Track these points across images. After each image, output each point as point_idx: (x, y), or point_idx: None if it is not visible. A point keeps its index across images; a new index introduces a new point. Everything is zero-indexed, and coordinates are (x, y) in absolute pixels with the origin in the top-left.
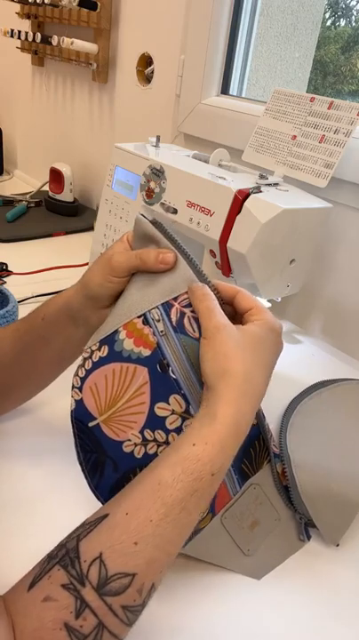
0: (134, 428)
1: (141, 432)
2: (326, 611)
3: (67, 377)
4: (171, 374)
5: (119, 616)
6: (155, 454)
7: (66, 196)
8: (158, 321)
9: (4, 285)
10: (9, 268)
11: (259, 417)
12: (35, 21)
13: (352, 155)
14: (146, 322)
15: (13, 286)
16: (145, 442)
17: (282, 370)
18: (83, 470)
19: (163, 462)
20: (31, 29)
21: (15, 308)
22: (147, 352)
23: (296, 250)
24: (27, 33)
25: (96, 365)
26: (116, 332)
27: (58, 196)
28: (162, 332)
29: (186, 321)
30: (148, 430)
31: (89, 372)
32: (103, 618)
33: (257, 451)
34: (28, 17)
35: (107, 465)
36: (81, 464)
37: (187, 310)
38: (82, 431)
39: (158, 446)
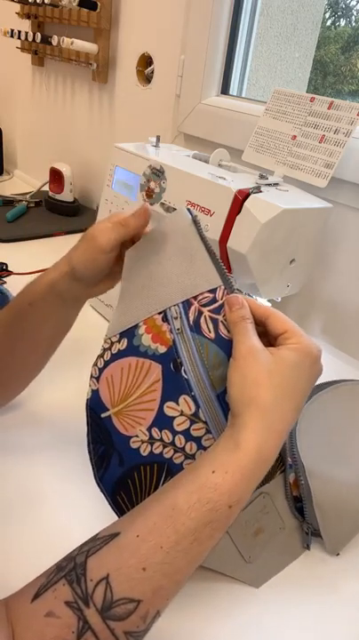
0: (143, 425)
1: (149, 429)
2: (326, 616)
3: (61, 373)
4: (184, 374)
5: None
6: (161, 454)
7: (66, 196)
8: (176, 318)
9: (4, 285)
10: (9, 268)
11: None
12: (35, 21)
13: (352, 155)
14: (165, 319)
15: (13, 286)
16: (152, 440)
17: None
18: (90, 460)
19: (181, 485)
20: (31, 29)
21: None
22: (162, 349)
23: (296, 250)
24: (27, 33)
25: (114, 357)
26: (137, 326)
27: (58, 196)
28: (178, 329)
29: (202, 321)
30: (156, 429)
31: (107, 364)
32: None
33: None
34: (28, 17)
35: (113, 458)
36: (89, 453)
37: (204, 310)
38: (94, 421)
39: (164, 447)
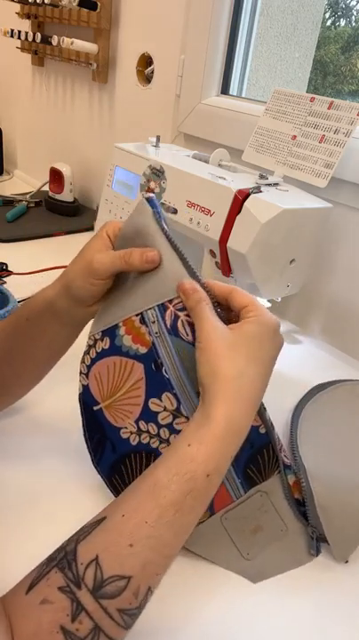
0: (131, 418)
1: (136, 422)
2: (330, 620)
3: (58, 376)
4: (165, 374)
5: (115, 619)
6: (148, 444)
7: (66, 196)
8: (153, 322)
9: (4, 285)
10: (9, 268)
11: (268, 426)
12: (35, 21)
13: (352, 155)
14: (143, 321)
15: (13, 286)
16: (139, 431)
17: (282, 371)
18: (87, 447)
19: (161, 464)
20: (31, 29)
21: (15, 308)
22: (143, 350)
23: (296, 250)
24: (27, 33)
25: (99, 356)
26: (117, 326)
27: (58, 196)
28: (156, 333)
29: (179, 324)
30: (143, 422)
31: (94, 361)
32: (99, 621)
33: (266, 459)
34: (28, 17)
35: (107, 446)
36: (86, 441)
37: (181, 314)
38: (88, 412)
39: (150, 437)
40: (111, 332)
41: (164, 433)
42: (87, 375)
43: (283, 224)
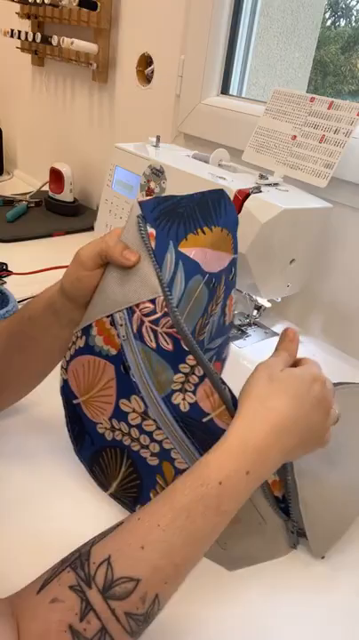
0: (105, 415)
1: (110, 419)
2: (308, 615)
3: (59, 377)
4: (132, 377)
5: (122, 622)
6: (121, 441)
7: (66, 196)
8: (121, 325)
9: (4, 285)
10: (9, 268)
11: None
12: (35, 21)
13: (352, 155)
14: (112, 323)
15: (13, 286)
16: (113, 428)
17: None
18: (70, 436)
19: (182, 474)
20: (31, 29)
21: (15, 308)
22: (113, 352)
23: (296, 250)
24: (27, 33)
25: (77, 353)
26: (91, 326)
27: (58, 196)
28: (124, 336)
29: (144, 330)
30: (115, 420)
31: (72, 358)
32: (106, 623)
33: None
34: (28, 17)
35: (86, 438)
36: (69, 431)
37: (146, 320)
38: (69, 405)
39: (123, 435)
40: (86, 331)
41: (135, 432)
42: (67, 370)
43: (283, 224)
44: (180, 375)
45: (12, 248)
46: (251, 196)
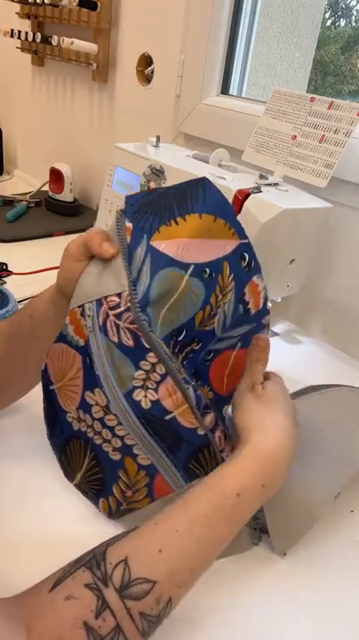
0: (73, 405)
1: (77, 410)
2: (273, 610)
3: None
4: (95, 370)
5: (136, 622)
6: (85, 433)
7: (66, 196)
8: (89, 317)
9: (4, 285)
10: (9, 268)
11: (207, 429)
12: (35, 21)
13: (352, 155)
14: (82, 314)
15: (13, 286)
16: (79, 419)
17: (281, 370)
18: (45, 421)
19: (197, 484)
20: (31, 29)
21: (15, 308)
22: (82, 342)
23: (296, 250)
24: (27, 33)
25: (56, 339)
26: (65, 315)
27: (58, 196)
28: (90, 328)
29: (109, 323)
30: (81, 411)
31: (54, 343)
32: (121, 621)
33: (206, 457)
34: (28, 17)
35: (57, 425)
36: (44, 415)
37: (111, 313)
38: (46, 388)
39: (87, 427)
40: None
41: (97, 426)
42: (47, 355)
43: (283, 224)
44: (141, 372)
45: (12, 248)
46: (251, 196)
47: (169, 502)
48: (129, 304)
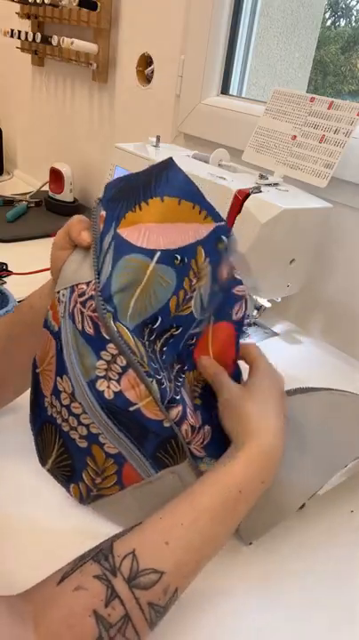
0: (48, 390)
1: (51, 395)
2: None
3: None
4: (64, 356)
5: (144, 612)
6: (55, 419)
7: (66, 196)
8: (62, 303)
9: (4, 285)
10: (9, 268)
11: (172, 422)
12: (35, 21)
13: (352, 155)
14: (59, 300)
15: (13, 286)
16: (52, 405)
17: (281, 370)
18: (30, 402)
19: (198, 480)
20: (31, 29)
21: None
22: (56, 328)
23: (296, 250)
24: (27, 33)
25: (43, 325)
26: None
27: (58, 196)
28: (62, 314)
29: (76, 311)
30: (54, 397)
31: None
32: (130, 610)
33: (174, 447)
34: (28, 17)
35: (36, 409)
36: (30, 397)
37: (78, 300)
38: (33, 371)
39: (57, 413)
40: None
41: (64, 413)
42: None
43: (282, 224)
44: (103, 362)
45: (12, 248)
46: (251, 196)
47: (140, 490)
48: (92, 292)
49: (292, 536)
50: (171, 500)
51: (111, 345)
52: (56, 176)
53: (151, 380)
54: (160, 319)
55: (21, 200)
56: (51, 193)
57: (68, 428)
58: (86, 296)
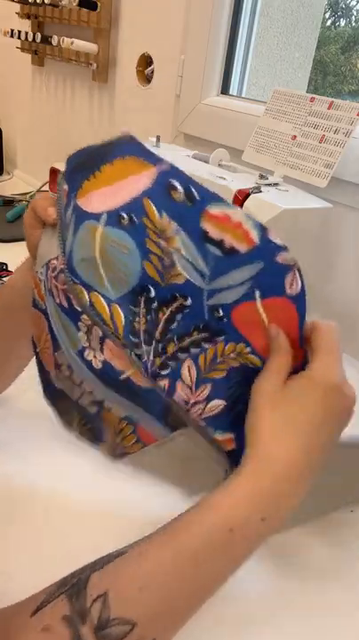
0: (51, 365)
1: (54, 369)
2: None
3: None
4: (54, 331)
5: None
6: (63, 390)
7: None
8: (41, 281)
9: None
10: (9, 268)
11: (164, 393)
12: (35, 21)
13: (352, 155)
14: (40, 279)
15: None
16: (58, 378)
17: None
18: (40, 379)
19: (189, 509)
20: (31, 29)
21: None
22: (43, 306)
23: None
24: (27, 33)
25: (31, 305)
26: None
27: None
28: (44, 291)
29: (52, 286)
30: (57, 370)
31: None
32: None
33: (177, 411)
34: (28, 17)
35: (47, 385)
36: (39, 375)
37: (51, 276)
38: (35, 351)
39: (64, 385)
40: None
41: (69, 384)
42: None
43: (283, 224)
44: (82, 333)
45: (12, 248)
46: (251, 196)
47: (158, 450)
48: (62, 266)
49: (292, 536)
50: (163, 528)
51: (84, 316)
52: (56, 176)
53: (130, 352)
54: (152, 288)
55: (21, 200)
56: (51, 193)
57: (77, 396)
58: (57, 271)
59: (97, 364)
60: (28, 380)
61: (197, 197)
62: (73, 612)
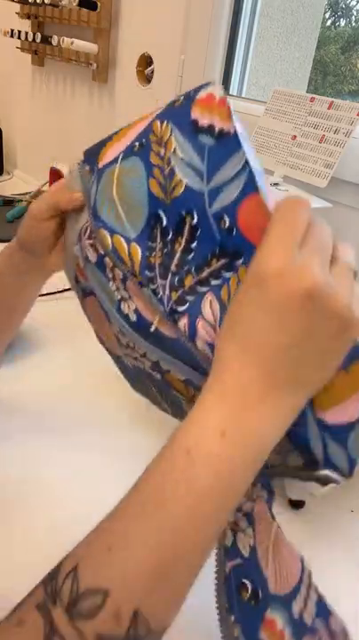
0: (115, 347)
1: (118, 349)
2: None
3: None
4: (99, 301)
5: None
6: (136, 366)
7: None
8: (77, 257)
9: None
10: None
11: (186, 338)
12: (35, 21)
13: (352, 155)
14: (76, 254)
15: None
16: (126, 355)
17: None
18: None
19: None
20: (31, 29)
21: None
22: (86, 283)
23: None
24: (27, 33)
25: (83, 296)
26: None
27: None
28: (82, 264)
29: (84, 247)
30: (120, 349)
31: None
32: None
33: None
34: (28, 17)
35: (124, 370)
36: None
37: (83, 238)
38: (104, 346)
39: (133, 360)
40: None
41: (130, 356)
42: (90, 319)
43: None
44: (111, 282)
45: None
46: None
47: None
48: (89, 217)
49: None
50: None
51: (107, 259)
52: (56, 176)
53: (145, 289)
54: (162, 213)
55: (21, 200)
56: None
57: (141, 365)
58: (87, 229)
59: (132, 317)
60: (29, 379)
61: (192, 94)
62: (45, 596)
